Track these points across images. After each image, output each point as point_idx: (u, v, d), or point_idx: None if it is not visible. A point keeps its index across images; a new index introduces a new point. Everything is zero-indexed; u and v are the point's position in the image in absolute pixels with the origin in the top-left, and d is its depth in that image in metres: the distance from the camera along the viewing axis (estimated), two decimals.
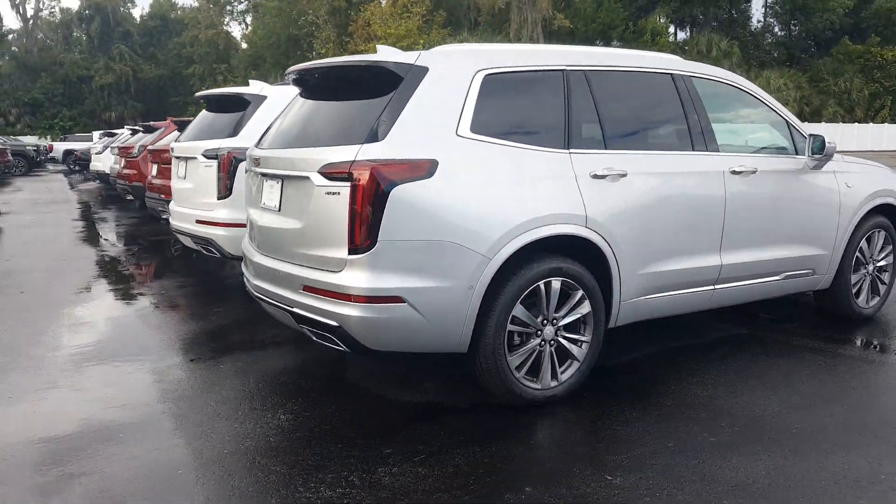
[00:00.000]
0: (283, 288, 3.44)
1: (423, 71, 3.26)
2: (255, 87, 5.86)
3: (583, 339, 3.57)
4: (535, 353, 3.42)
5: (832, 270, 4.69)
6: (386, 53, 3.42)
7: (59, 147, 33.63)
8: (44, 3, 63.88)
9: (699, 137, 4.02)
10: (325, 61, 3.57)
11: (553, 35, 39.27)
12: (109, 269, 7.46)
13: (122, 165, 11.47)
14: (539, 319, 3.41)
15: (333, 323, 3.14)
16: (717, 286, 4.10)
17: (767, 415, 3.36)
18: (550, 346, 3.46)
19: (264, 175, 3.68)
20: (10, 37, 63.13)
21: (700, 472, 2.82)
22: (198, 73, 53.82)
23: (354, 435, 3.19)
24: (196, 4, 57.16)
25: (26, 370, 4.10)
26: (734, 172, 4.05)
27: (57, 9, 64.05)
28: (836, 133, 41.64)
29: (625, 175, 3.62)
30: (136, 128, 13.22)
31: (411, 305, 3.08)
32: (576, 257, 3.49)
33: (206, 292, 6.25)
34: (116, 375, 4.02)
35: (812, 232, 4.49)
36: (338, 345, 3.24)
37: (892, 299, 5.46)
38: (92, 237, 9.82)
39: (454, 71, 3.35)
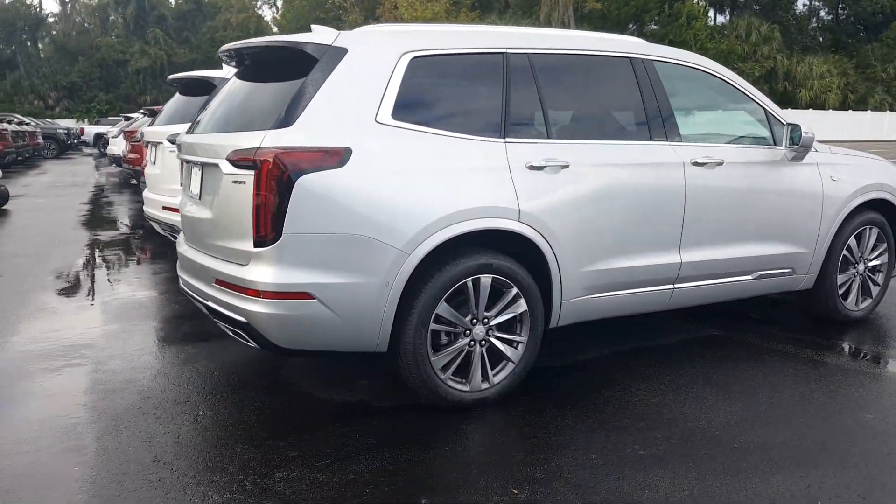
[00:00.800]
0: (200, 281, 3.30)
1: (342, 52, 3.06)
2: (225, 71, 5.72)
3: (518, 339, 3.35)
4: (463, 354, 3.22)
5: (815, 270, 4.37)
6: (310, 34, 3.22)
7: (91, 130, 34.13)
8: None
9: (658, 126, 3.75)
10: (252, 41, 3.38)
11: (584, 18, 38.49)
12: (95, 254, 7.43)
13: (127, 150, 11.49)
14: (468, 318, 3.20)
15: (242, 319, 2.98)
16: (677, 285, 3.84)
17: (713, 426, 3.12)
18: (481, 346, 3.26)
19: (188, 162, 3.54)
20: (51, 20, 64.42)
21: (615, 488, 2.60)
22: None
23: (266, 435, 3.04)
24: None
25: None
26: (696, 164, 3.77)
27: None
28: (882, 122, 40.16)
29: (567, 166, 3.38)
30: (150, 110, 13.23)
31: (321, 302, 2.91)
32: (510, 253, 3.28)
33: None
34: (47, 369, 3.94)
35: (790, 228, 4.18)
36: (248, 342, 3.08)
37: (887, 301, 5.14)
38: (91, 222, 9.85)
39: (376, 53, 3.14)
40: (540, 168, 3.30)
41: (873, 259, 4.64)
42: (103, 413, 3.28)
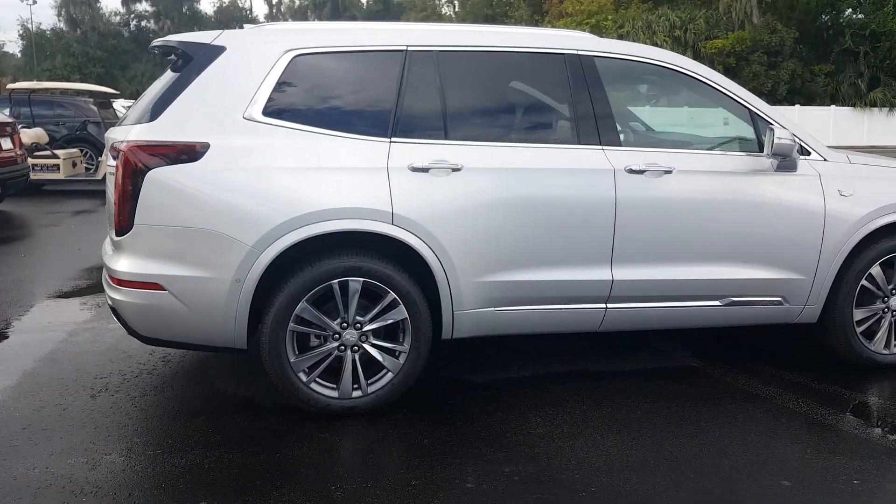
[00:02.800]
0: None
1: (218, 51, 3.07)
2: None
3: (399, 348, 3.18)
4: (332, 358, 3.12)
5: (817, 301, 3.68)
6: (194, 34, 3.27)
7: None
8: None
9: (589, 129, 3.35)
10: (160, 39, 3.47)
11: (769, 8, 35.28)
12: None
13: None
14: (337, 322, 3.10)
15: (112, 306, 3.13)
16: (610, 305, 3.42)
17: (576, 470, 2.73)
18: (353, 352, 3.13)
19: None
20: (262, 20, 71.01)
21: None
22: None
23: (111, 424, 3.09)
24: None
25: None
26: (632, 171, 3.33)
27: None
28: None
29: (459, 169, 3.13)
30: None
31: (172, 294, 2.95)
32: (392, 258, 3.12)
33: None
34: None
35: (775, 250, 3.55)
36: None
37: None
38: None
39: (256, 51, 3.12)
40: (424, 170, 3.10)
41: None
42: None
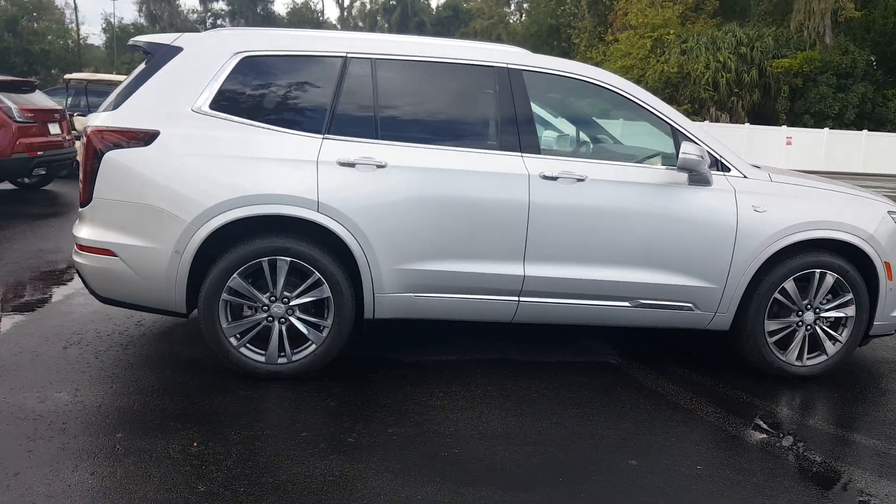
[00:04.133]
0: None
1: (176, 51, 3.55)
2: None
3: (323, 323, 3.58)
4: (260, 327, 3.54)
5: (728, 310, 3.88)
6: (156, 35, 3.74)
7: None
8: None
9: (510, 137, 3.68)
10: (133, 39, 3.94)
11: (843, 29, 34.23)
12: None
13: None
14: (266, 295, 3.51)
15: (76, 268, 3.63)
16: (523, 298, 3.73)
17: (450, 436, 3.06)
18: (280, 323, 3.54)
19: None
20: (334, 23, 72.80)
21: (288, 468, 2.78)
22: None
23: (71, 370, 3.57)
24: None
25: None
26: (546, 177, 3.63)
27: (368, 0, 72.35)
28: None
29: (384, 166, 3.51)
30: None
31: (122, 260, 3.44)
32: (319, 242, 3.52)
33: None
34: None
35: (684, 259, 3.78)
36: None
37: (865, 364, 4.38)
38: None
39: (208, 52, 3.57)
40: (350, 164, 3.49)
41: (830, 310, 3.96)
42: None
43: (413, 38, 3.96)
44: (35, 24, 58.02)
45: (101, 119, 3.47)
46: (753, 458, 3.07)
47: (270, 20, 68.78)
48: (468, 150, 3.66)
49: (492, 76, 3.73)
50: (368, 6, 71.53)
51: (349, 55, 3.64)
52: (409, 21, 67.62)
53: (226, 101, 3.51)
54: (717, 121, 33.14)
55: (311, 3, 72.30)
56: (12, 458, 2.67)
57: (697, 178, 3.74)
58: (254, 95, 3.59)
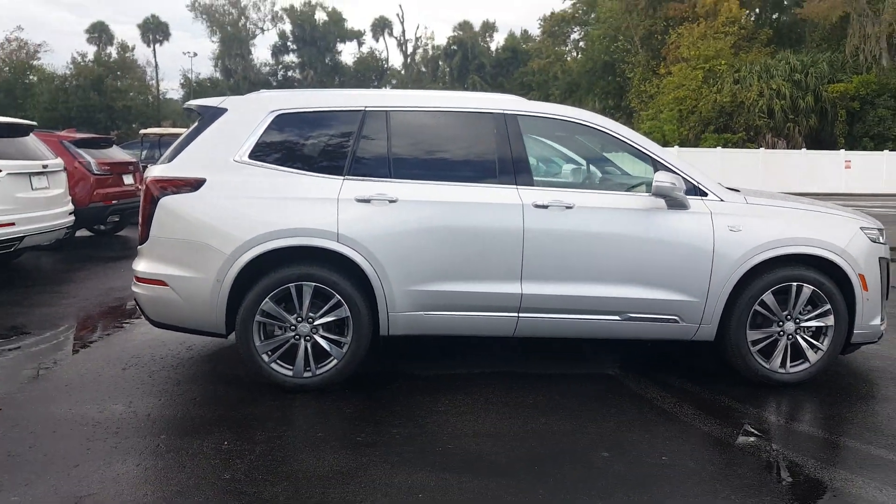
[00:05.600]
0: None
1: (222, 111, 4.20)
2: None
3: (344, 340, 4.09)
4: (288, 344, 4.07)
5: (711, 322, 4.20)
6: (206, 100, 4.41)
7: None
8: (421, 42, 75.02)
9: (507, 171, 4.15)
10: (188, 102, 4.63)
11: None
12: None
13: None
14: (293, 316, 4.06)
15: (135, 297, 4.28)
16: (522, 314, 4.16)
17: (450, 436, 3.49)
18: (306, 341, 4.07)
19: None
20: (397, 68, 75.09)
21: (300, 459, 3.28)
22: (535, 98, 57.65)
23: (126, 387, 4.21)
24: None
25: None
26: (538, 206, 4.08)
27: (430, 45, 74.57)
28: None
29: (395, 201, 4.04)
30: None
31: (172, 289, 4.05)
32: (340, 268, 4.05)
33: None
34: None
35: (665, 275, 4.13)
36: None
37: (854, 370, 4.60)
38: None
39: (248, 110, 4.21)
40: (366, 200, 4.03)
41: (810, 320, 4.23)
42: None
43: (422, 91, 4.53)
44: (118, 83, 62.26)
45: (157, 170, 4.14)
46: (716, 450, 3.39)
47: (338, 70, 71.69)
48: (469, 185, 4.15)
49: (491, 121, 4.24)
50: (431, 52, 73.50)
51: (367, 108, 4.22)
52: (470, 64, 69.21)
53: (263, 152, 4.12)
54: (773, 147, 32.72)
55: (377, 52, 74.92)
56: (73, 454, 3.25)
57: (674, 203, 4.13)
58: (286, 145, 4.19)
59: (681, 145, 32.07)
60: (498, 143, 4.20)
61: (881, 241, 4.42)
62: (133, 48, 65.88)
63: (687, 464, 3.23)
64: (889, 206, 21.84)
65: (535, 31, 64.25)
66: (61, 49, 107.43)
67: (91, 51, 63.95)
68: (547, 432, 3.56)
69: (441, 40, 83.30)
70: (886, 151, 30.20)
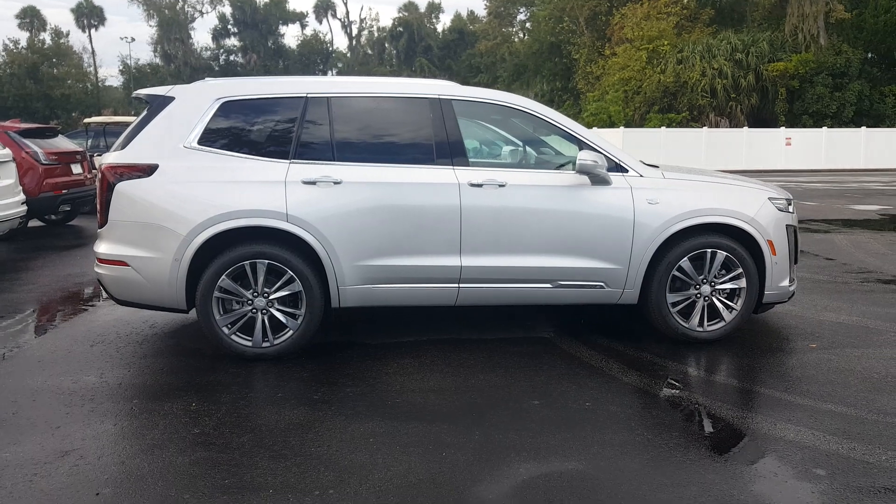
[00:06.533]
0: None
1: (169, 100, 4.45)
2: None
3: (298, 312, 4.41)
4: (245, 318, 4.38)
5: (634, 286, 4.66)
6: (155, 88, 4.65)
7: None
8: (366, 24, 74.51)
9: (444, 153, 4.51)
10: (136, 91, 4.86)
11: (835, 29, 34.84)
12: None
13: None
14: (250, 292, 4.36)
15: (98, 278, 4.53)
16: (462, 285, 4.54)
17: (397, 390, 3.87)
18: (263, 314, 4.38)
19: None
20: (343, 50, 74.40)
21: (259, 415, 3.61)
22: (483, 82, 58.05)
23: (96, 361, 4.48)
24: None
25: None
26: (473, 185, 4.46)
27: (375, 27, 74.10)
28: None
29: (339, 182, 4.37)
30: None
31: (133, 269, 4.32)
32: (292, 246, 4.36)
33: None
34: None
35: (591, 246, 4.56)
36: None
37: (770, 329, 5.13)
38: None
39: (195, 98, 4.46)
40: (312, 182, 4.35)
41: (725, 282, 4.72)
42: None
43: (361, 78, 4.84)
44: (55, 70, 60.38)
45: (112, 157, 4.38)
46: (636, 398, 3.85)
47: (281, 53, 70.69)
48: (409, 166, 4.50)
49: (427, 105, 4.59)
50: (376, 35, 73.02)
51: (309, 95, 4.52)
52: (416, 46, 69.03)
53: (210, 138, 4.39)
54: (716, 126, 33.83)
55: (321, 35, 74.11)
56: (54, 418, 3.53)
57: (597, 179, 4.55)
58: (233, 131, 4.46)
59: (626, 126, 32.92)
60: (434, 127, 4.54)
61: (789, 210, 4.93)
62: (68, 34, 64.02)
63: (608, 408, 3.68)
64: (827, 181, 22.99)
65: (481, 11, 64.55)
66: None
67: (23, 37, 61.89)
68: (485, 386, 3.97)
69: (386, 22, 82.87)
70: (825, 129, 31.53)
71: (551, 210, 4.54)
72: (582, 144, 4.66)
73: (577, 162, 4.44)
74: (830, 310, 5.71)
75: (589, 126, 34.14)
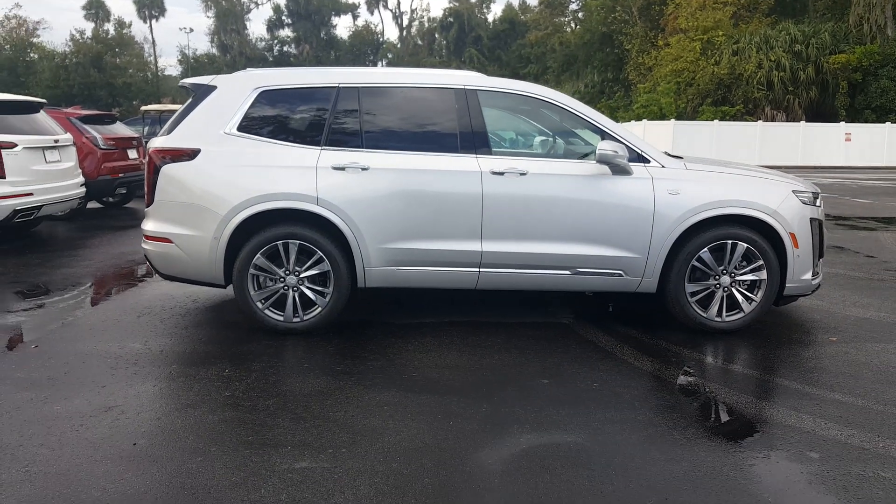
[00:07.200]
0: None
1: (212, 89, 4.75)
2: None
3: (326, 290, 4.68)
4: (278, 294, 4.67)
5: (653, 275, 4.76)
6: (199, 78, 4.96)
7: None
8: (416, 14, 74.81)
9: (467, 142, 4.69)
10: (183, 80, 5.18)
11: None
12: None
13: None
14: (282, 270, 4.65)
15: (145, 254, 4.88)
16: (483, 269, 4.73)
17: (418, 367, 4.11)
18: (294, 291, 4.67)
19: None
20: (393, 41, 74.84)
21: (296, 386, 3.89)
22: (532, 72, 57.82)
23: (142, 329, 4.85)
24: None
25: None
26: (495, 173, 4.63)
27: (426, 18, 74.32)
28: None
29: (367, 169, 4.60)
30: None
31: (177, 245, 4.65)
32: (321, 228, 4.63)
33: None
34: None
35: (611, 234, 4.67)
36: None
37: (793, 322, 5.18)
38: None
39: (235, 88, 4.75)
40: (341, 168, 4.59)
41: (745, 274, 4.78)
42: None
43: (391, 69, 5.05)
44: (118, 59, 62.61)
45: (159, 142, 4.71)
46: (644, 381, 3.99)
47: (333, 44, 71.61)
48: (433, 154, 4.70)
49: (452, 95, 4.78)
50: (427, 25, 73.24)
51: (340, 85, 4.76)
52: (466, 36, 68.99)
53: (249, 125, 4.68)
54: (772, 120, 33.00)
55: (371, 26, 74.74)
56: (101, 378, 3.87)
57: (617, 169, 4.67)
58: (269, 119, 4.74)
59: (678, 118, 32.40)
60: (459, 116, 4.73)
61: (815, 204, 4.95)
62: (130, 24, 66.24)
63: (615, 389, 3.83)
64: (888, 178, 22.28)
65: (533, 1, 64.05)
66: (59, 26, 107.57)
67: (89, 27, 64.33)
68: (498, 365, 4.16)
69: (437, 12, 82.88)
70: (888, 124, 30.43)
71: (571, 198, 4.67)
72: (604, 134, 4.78)
73: (597, 151, 4.56)
74: (859, 305, 5.70)
75: (639, 118, 33.76)
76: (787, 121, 33.19)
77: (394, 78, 4.87)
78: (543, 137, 5.54)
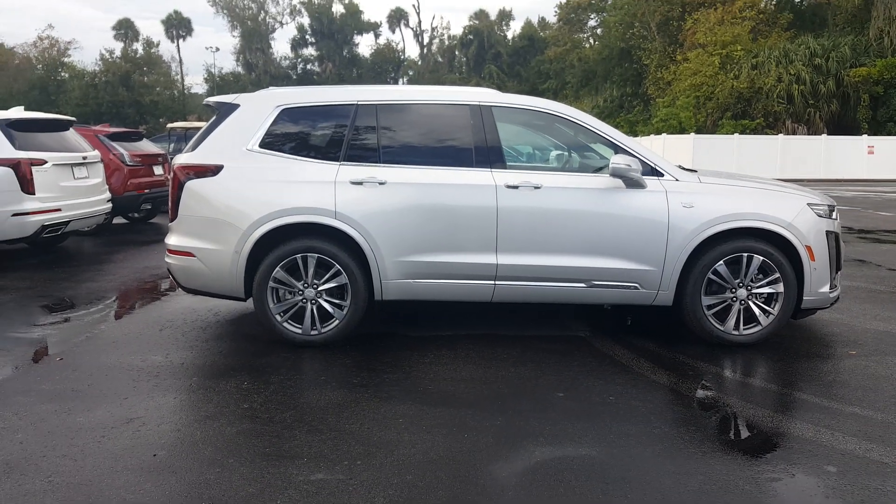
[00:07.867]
0: None
1: (235, 107, 4.86)
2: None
3: (344, 303, 4.74)
4: (296, 307, 4.73)
5: (668, 288, 4.77)
6: (222, 96, 5.07)
7: None
8: (437, 32, 75.47)
9: (483, 156, 4.75)
10: (207, 98, 5.30)
11: None
12: None
13: None
14: (300, 283, 4.72)
15: (168, 267, 4.98)
16: (498, 282, 4.77)
17: (434, 380, 4.14)
18: (312, 304, 4.73)
19: None
20: (414, 58, 75.47)
21: (306, 399, 3.94)
22: (551, 88, 57.96)
23: (163, 343, 4.94)
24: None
25: None
26: (510, 186, 4.68)
27: (446, 35, 74.93)
28: None
29: (384, 183, 4.67)
30: None
31: (199, 259, 4.74)
32: (336, 242, 4.69)
33: None
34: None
35: (625, 247, 4.69)
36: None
37: (812, 335, 5.14)
38: None
39: (258, 106, 4.86)
40: (359, 183, 4.67)
41: (762, 287, 4.76)
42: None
43: (408, 87, 5.13)
44: (145, 78, 63.87)
45: (183, 159, 4.82)
46: (660, 394, 3.98)
47: (356, 62, 72.40)
48: (449, 169, 4.76)
49: (467, 111, 4.84)
50: (447, 43, 73.82)
51: (359, 103, 4.85)
52: (486, 53, 69.44)
53: (270, 141, 4.78)
54: (793, 133, 32.76)
55: (393, 44, 75.48)
56: (123, 390, 3.95)
57: (631, 182, 4.70)
58: (290, 136, 4.84)
59: (698, 132, 32.27)
60: (474, 131, 4.79)
61: (831, 217, 4.93)
62: (158, 44, 67.61)
63: (631, 403, 3.83)
64: None
65: (552, 18, 64.32)
66: (90, 46, 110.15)
67: (118, 47, 65.75)
68: (513, 378, 4.18)
69: (457, 30, 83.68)
70: None
71: (585, 211, 4.70)
72: (617, 148, 4.81)
73: (610, 165, 4.60)
74: (880, 319, 5.64)
75: (658, 132, 33.67)
76: (809, 134, 32.92)
77: (410, 95, 4.95)
78: (559, 152, 5.58)
